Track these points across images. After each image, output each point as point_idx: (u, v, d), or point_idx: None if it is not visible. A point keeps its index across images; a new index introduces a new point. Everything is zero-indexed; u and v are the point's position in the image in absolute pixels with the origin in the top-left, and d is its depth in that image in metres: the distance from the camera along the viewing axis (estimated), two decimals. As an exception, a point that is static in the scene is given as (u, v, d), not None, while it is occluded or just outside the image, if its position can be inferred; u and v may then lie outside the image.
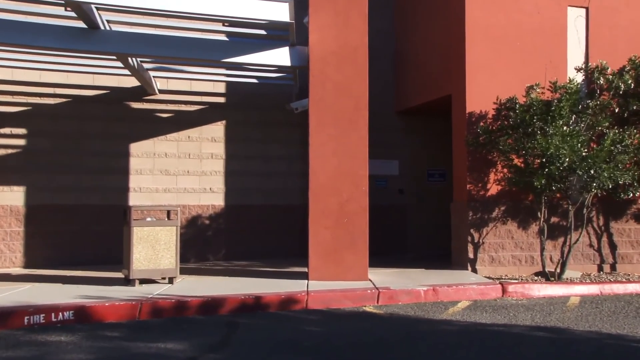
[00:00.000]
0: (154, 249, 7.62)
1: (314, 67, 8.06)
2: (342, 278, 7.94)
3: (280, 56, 8.26)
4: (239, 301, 6.68)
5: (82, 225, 9.94)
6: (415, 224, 11.77)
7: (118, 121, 10.21)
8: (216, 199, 10.58)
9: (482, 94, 8.92)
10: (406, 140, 11.76)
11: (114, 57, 8.47)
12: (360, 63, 8.09)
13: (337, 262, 7.97)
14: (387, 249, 11.33)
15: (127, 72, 9.54)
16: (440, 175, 11.99)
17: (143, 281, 7.79)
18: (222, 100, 10.70)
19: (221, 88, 10.71)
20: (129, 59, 8.40)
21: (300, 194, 10.82)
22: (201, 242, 10.52)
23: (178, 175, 10.44)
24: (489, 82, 8.94)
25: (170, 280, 7.83)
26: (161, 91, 10.44)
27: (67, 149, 9.98)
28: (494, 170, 9.01)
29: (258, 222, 10.77)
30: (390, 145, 11.64)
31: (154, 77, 10.06)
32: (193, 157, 10.53)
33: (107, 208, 10.04)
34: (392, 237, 11.53)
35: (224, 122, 10.71)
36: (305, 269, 8.65)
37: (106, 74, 9.94)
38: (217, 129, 10.66)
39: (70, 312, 6.03)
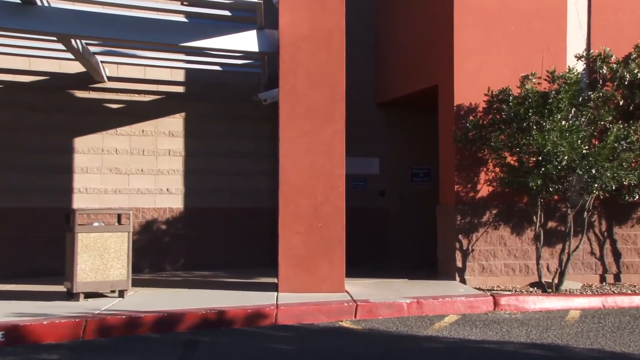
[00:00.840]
0: (102, 258, 7.55)
1: (284, 53, 8.06)
2: (316, 289, 7.97)
3: (247, 40, 8.22)
4: (200, 317, 6.63)
5: (19, 232, 9.78)
6: (398, 229, 11.85)
7: (60, 112, 10.07)
8: (174, 201, 10.56)
9: (471, 85, 8.96)
10: (388, 136, 11.83)
11: (55, 39, 8.30)
12: (336, 49, 8.11)
13: (311, 272, 8.01)
14: (366, 257, 11.40)
15: (70, 55, 9.33)
16: (426, 174, 12.08)
17: (89, 295, 7.68)
18: (180, 89, 10.66)
19: (180, 76, 10.67)
20: (72, 40, 8.18)
21: (269, 195, 10.86)
22: (157, 250, 10.48)
23: (130, 174, 10.38)
24: (480, 71, 8.98)
25: (121, 294, 7.77)
26: (110, 79, 10.34)
27: (0, 144, 9.81)
28: (485, 169, 9.06)
29: (222, 227, 10.77)
30: (370, 141, 11.71)
31: (101, 62, 9.90)
32: (148, 154, 10.47)
33: (48, 212, 9.88)
34: (371, 244, 11.60)
35: (183, 114, 10.68)
36: (275, 280, 8.68)
37: (45, 57, 9.66)
38: (175, 122, 10.63)
39: (0, 332, 5.86)
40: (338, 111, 8.14)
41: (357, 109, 11.15)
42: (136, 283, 8.82)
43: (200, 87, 10.72)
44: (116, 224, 7.80)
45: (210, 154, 10.79)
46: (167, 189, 10.53)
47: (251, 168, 10.96)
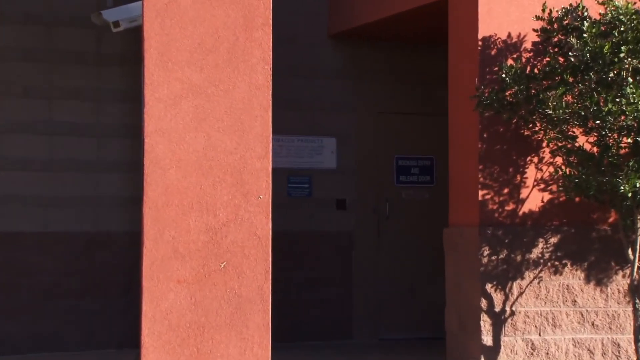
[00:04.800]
0: None
1: None
2: (213, 393, 7.76)
3: None
4: None
5: None
6: (370, 272, 11.79)
7: None
8: None
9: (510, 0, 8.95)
10: (352, 97, 12.19)
11: None
12: None
13: (204, 356, 7.71)
14: (314, 327, 11.72)
15: None
16: (424, 171, 12.11)
17: None
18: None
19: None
20: None
21: (126, 209, 10.57)
22: None
23: None
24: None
25: None
26: None
27: None
28: (536, 160, 9.02)
29: (28, 272, 10.49)
30: (319, 108, 12.03)
31: None
32: None
33: None
34: (323, 302, 11.58)
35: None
36: (134, 376, 8.38)
37: None
38: None
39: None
40: (258, 49, 7.85)
41: (296, 46, 11.40)
42: None
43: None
44: None
45: (3, 130, 10.48)
46: None
47: (87, 158, 10.75)
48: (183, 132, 7.76)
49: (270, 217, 7.83)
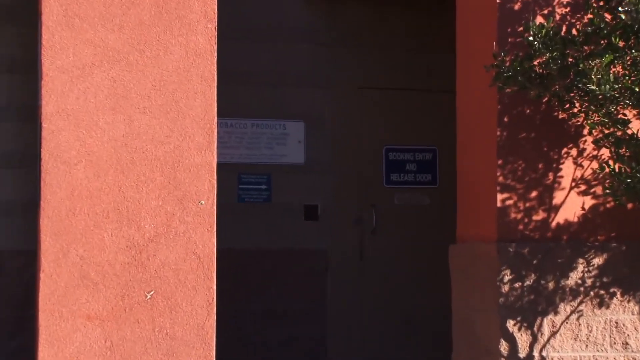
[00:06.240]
0: None
1: None
2: None
3: None
4: None
5: None
6: (353, 303, 11.94)
7: None
8: None
9: None
10: (327, 67, 12.06)
11: None
12: None
13: None
14: None
15: None
16: (422, 166, 12.36)
17: None
18: None
19: None
20: None
21: (13, 219, 10.38)
22: None
23: None
24: None
25: None
26: None
27: None
28: (573, 152, 8.70)
29: None
30: (282, 82, 11.90)
31: None
32: None
33: None
34: (289, 343, 11.66)
35: None
36: None
37: None
38: None
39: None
40: (199, 1, 8.14)
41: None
42: None
43: None
44: None
45: None
46: None
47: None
48: (95, 114, 7.83)
49: (215, 230, 7.97)
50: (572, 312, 8.59)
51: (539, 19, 8.43)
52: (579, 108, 8.34)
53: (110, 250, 7.69)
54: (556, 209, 8.62)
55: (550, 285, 8.57)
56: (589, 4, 8.31)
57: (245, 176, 11.55)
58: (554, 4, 8.63)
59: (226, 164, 10.56)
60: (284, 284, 11.58)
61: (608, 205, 8.62)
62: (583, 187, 8.64)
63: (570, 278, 8.57)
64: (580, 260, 8.60)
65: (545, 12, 8.59)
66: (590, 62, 7.95)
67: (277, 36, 11.69)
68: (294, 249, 11.69)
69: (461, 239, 9.10)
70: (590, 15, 8.25)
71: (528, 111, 8.60)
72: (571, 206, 8.60)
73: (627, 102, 8.04)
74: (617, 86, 7.88)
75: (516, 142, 8.60)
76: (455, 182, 9.32)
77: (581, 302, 8.62)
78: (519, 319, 8.55)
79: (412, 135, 12.08)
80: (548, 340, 8.57)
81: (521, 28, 8.46)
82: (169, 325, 7.75)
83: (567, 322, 8.59)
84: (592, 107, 8.17)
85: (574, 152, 8.65)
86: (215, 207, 7.90)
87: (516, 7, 8.63)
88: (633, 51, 8.04)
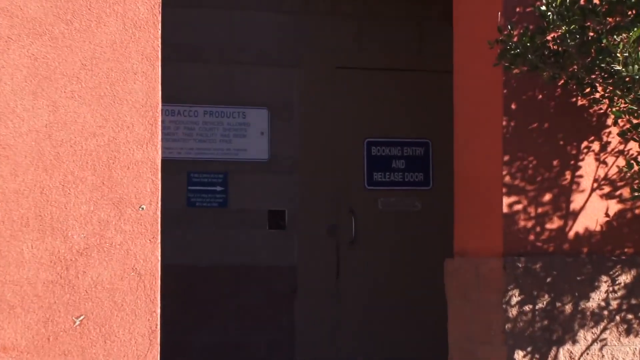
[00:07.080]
0: None
1: None
2: None
3: None
4: None
5: None
6: (327, 332, 11.87)
7: None
8: None
9: None
10: (295, 42, 12.05)
11: None
12: None
13: None
14: None
15: None
16: (412, 163, 12.28)
17: None
18: None
19: None
20: None
21: None
22: None
23: None
24: None
25: None
26: None
27: None
28: (595, 146, 8.64)
29: None
30: (240, 59, 11.89)
31: None
32: None
33: None
34: None
35: None
36: None
37: None
38: None
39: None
40: None
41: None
42: None
43: None
44: None
45: None
46: None
47: None
48: (12, 99, 7.53)
49: (159, 241, 7.55)
50: (594, 341, 8.36)
51: (553, -17, 8.07)
52: (602, 93, 8.12)
53: (30, 266, 7.31)
54: (574, 215, 8.38)
55: (568, 308, 8.32)
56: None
57: (196, 175, 11.37)
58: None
59: (173, 160, 10.60)
60: (242, 309, 11.38)
61: (637, 211, 8.42)
62: (607, 189, 8.44)
63: (591, 300, 8.34)
64: (604, 278, 8.35)
65: (564, -28, 8.19)
66: (615, 36, 7.74)
67: (234, 2, 11.53)
68: (255, 266, 11.49)
69: (460, 252, 8.81)
70: (612, -21, 7.93)
71: (540, 96, 8.39)
72: (593, 212, 8.36)
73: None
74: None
75: (526, 135, 8.36)
76: (452, 183, 9.01)
77: (605, 329, 8.39)
78: (529, 349, 8.30)
79: (400, 126, 11.89)
80: (564, 373, 8.33)
81: (532, -1, 8.14)
82: (103, 357, 7.35)
83: (587, 353, 8.36)
84: (617, 91, 7.92)
85: (595, 146, 8.43)
86: (159, 214, 7.45)
87: (523, -31, 8.32)
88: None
